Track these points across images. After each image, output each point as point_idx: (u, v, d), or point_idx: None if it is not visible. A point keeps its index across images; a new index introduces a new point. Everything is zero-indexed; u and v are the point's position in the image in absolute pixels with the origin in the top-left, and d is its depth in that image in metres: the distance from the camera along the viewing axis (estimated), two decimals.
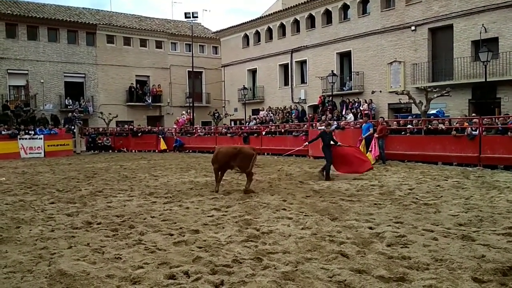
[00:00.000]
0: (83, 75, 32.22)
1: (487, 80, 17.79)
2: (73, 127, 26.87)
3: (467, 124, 15.27)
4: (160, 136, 27.20)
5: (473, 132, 14.38)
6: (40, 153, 23.34)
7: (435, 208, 7.39)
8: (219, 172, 9.86)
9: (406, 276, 4.14)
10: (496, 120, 15.21)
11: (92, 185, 11.14)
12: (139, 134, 27.96)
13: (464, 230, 5.78)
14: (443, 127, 15.70)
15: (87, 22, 32.12)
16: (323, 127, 13.22)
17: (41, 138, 23.71)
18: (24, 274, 4.38)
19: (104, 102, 32.59)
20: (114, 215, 7.24)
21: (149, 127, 30.51)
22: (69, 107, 30.66)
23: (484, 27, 19.36)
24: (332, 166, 11.94)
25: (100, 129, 29.21)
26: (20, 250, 5.26)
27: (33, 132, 23.92)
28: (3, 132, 23.07)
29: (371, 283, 3.96)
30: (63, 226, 6.49)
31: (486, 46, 17.77)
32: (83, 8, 35.61)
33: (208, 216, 7.03)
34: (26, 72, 29.72)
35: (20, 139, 22.97)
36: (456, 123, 15.86)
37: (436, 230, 5.82)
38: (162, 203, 8.39)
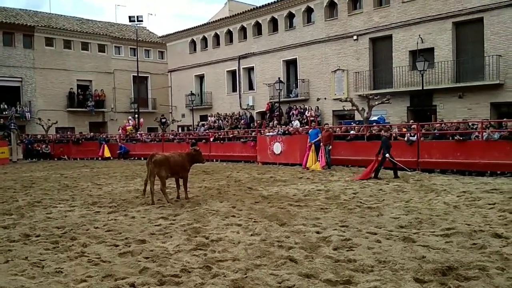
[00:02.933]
0: (20, 79, 30.53)
1: (424, 88, 18.83)
2: (8, 133, 25.32)
3: (405, 130, 16.04)
4: (103, 142, 26.24)
5: (412, 138, 15.12)
6: None
7: (378, 211, 7.67)
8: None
9: (352, 278, 4.25)
10: (433, 126, 16.09)
11: (30, 195, 10.55)
12: (80, 141, 26.85)
13: (405, 232, 6.04)
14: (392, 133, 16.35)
15: (24, 23, 30.52)
16: (384, 134, 13.92)
17: None
18: None
19: (43, 108, 31.02)
20: (54, 226, 6.89)
21: (92, 133, 29.39)
22: (4, 112, 28.88)
23: (421, 37, 20.48)
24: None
25: (39, 136, 27.76)
26: None
27: None
28: None
29: (318, 287, 4.03)
30: None
31: (423, 56, 18.80)
32: (20, 9, 33.87)
33: (155, 225, 6.87)
34: None
35: None
36: (396, 129, 16.60)
37: (379, 233, 6.04)
38: (106, 213, 8.09)
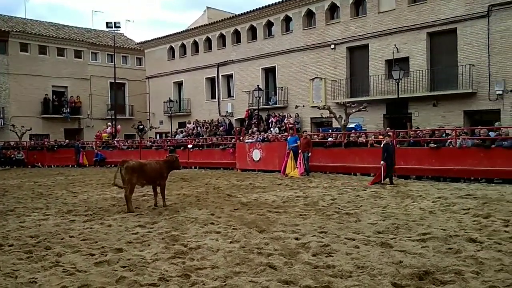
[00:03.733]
0: None
1: (400, 96, 19.20)
2: None
3: (382, 137, 16.29)
4: (80, 150, 25.77)
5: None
6: None
7: (356, 217, 7.75)
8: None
9: (331, 284, 4.27)
10: (408, 134, 16.40)
11: (3, 204, 10.25)
12: (55, 148, 26.29)
13: (382, 238, 6.11)
14: (363, 140, 16.61)
15: None
16: (386, 140, 13.86)
17: None
18: None
19: (16, 114, 30.28)
20: (28, 235, 6.69)
21: (67, 140, 28.82)
22: None
23: (396, 47, 20.92)
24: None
25: (12, 143, 27.07)
26: None
27: None
28: None
29: None
30: None
31: (398, 65, 19.21)
32: None
33: (133, 234, 6.75)
34: None
35: None
36: (372, 136, 16.85)
37: (357, 238, 6.10)
38: (82, 221, 7.92)
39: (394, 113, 20.94)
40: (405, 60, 20.72)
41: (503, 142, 13.23)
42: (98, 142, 27.62)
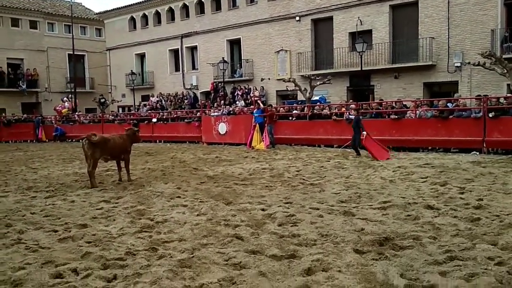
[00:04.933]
0: None
1: (363, 69, 19.47)
2: None
3: (344, 109, 16.58)
4: (40, 125, 24.87)
5: (351, 116, 15.64)
6: None
7: (320, 187, 7.94)
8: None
9: (296, 253, 4.39)
10: (371, 106, 16.75)
11: None
12: (11, 123, 25.22)
13: (345, 207, 6.31)
14: (327, 112, 16.83)
15: None
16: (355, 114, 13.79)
17: None
18: None
19: None
20: None
21: (25, 115, 27.70)
22: None
23: (360, 20, 21.07)
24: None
25: None
26: None
27: None
28: None
29: (265, 263, 4.13)
30: None
31: (362, 37, 19.40)
32: None
33: (97, 209, 6.66)
34: None
35: None
36: (335, 109, 17.10)
37: (321, 208, 6.26)
38: (43, 197, 7.72)
39: (357, 85, 21.28)
40: (368, 32, 20.93)
41: (462, 113, 13.74)
42: (57, 116, 26.68)
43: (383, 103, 16.46)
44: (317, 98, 19.98)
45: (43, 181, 9.69)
